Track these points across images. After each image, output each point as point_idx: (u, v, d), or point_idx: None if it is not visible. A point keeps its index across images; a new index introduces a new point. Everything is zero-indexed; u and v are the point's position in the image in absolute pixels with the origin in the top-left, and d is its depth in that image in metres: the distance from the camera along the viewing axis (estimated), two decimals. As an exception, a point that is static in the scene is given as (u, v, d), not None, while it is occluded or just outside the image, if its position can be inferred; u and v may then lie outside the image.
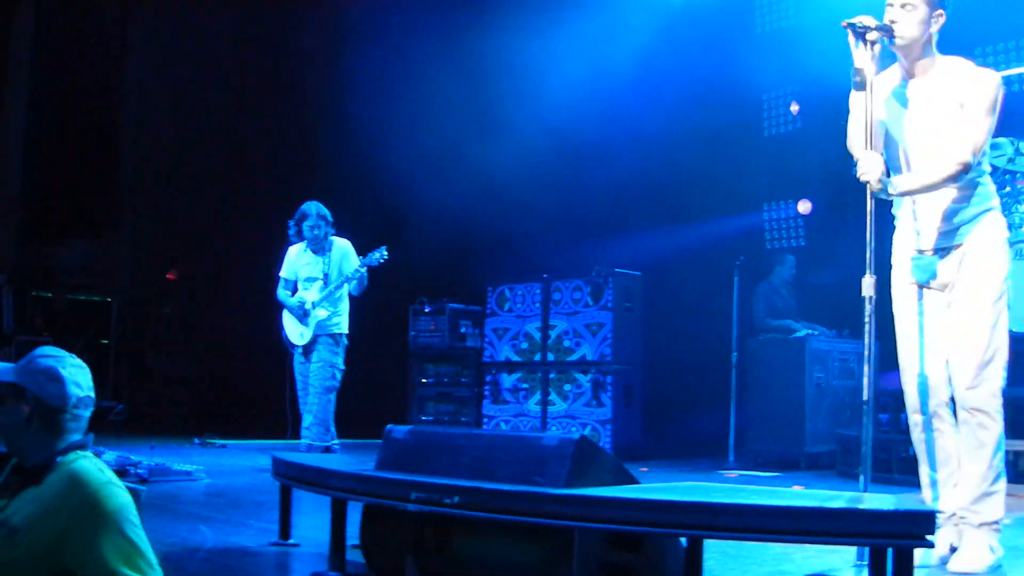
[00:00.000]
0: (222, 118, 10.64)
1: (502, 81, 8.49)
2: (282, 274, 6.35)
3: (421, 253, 9.45)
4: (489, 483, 2.52)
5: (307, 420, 6.03)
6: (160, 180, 10.99)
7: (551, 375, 7.81)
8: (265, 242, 10.46)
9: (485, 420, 8.18)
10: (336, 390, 6.05)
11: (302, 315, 6.21)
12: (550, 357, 7.86)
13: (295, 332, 6.22)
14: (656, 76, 8.04)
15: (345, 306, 6.23)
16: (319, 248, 6.18)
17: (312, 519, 3.68)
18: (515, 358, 8.09)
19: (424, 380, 8.65)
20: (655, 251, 8.46)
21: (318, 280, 6.14)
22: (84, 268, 10.92)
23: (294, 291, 6.38)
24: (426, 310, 8.64)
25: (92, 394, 2.07)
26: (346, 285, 6.07)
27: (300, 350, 6.23)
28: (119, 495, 1.92)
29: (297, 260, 6.32)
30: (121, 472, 4.64)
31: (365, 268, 5.97)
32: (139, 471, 4.91)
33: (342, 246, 6.18)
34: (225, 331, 11.18)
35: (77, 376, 2.06)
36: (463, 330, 8.53)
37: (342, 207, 6.50)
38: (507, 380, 8.10)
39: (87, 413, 2.07)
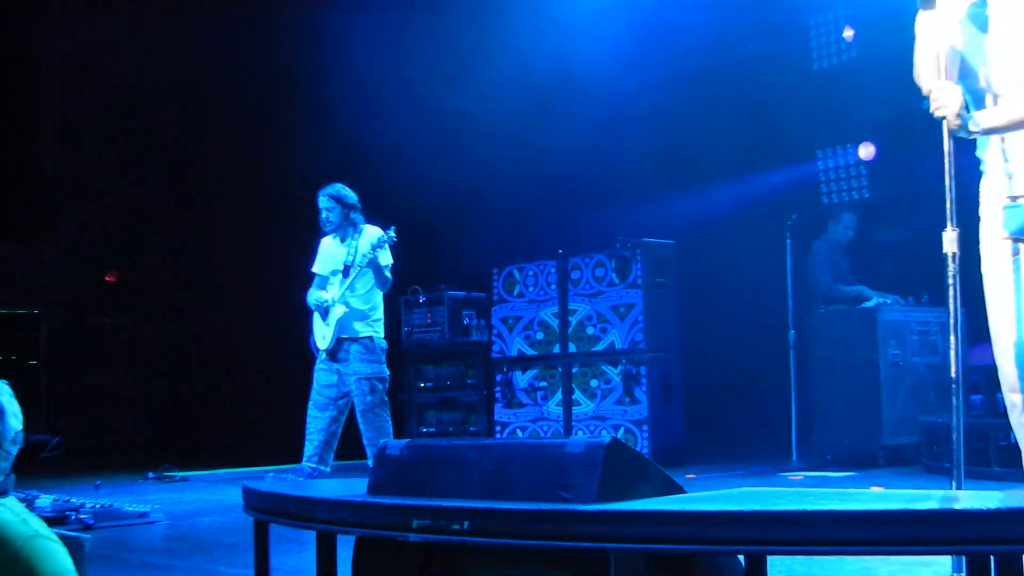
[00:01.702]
0: (165, 107, 10.72)
1: (493, 22, 8.65)
2: (313, 269, 6.48)
3: (410, 232, 9.21)
4: (505, 503, 2.50)
5: (312, 443, 6.09)
6: (96, 176, 10.94)
7: (574, 369, 7.94)
8: (226, 238, 10.55)
9: (497, 428, 8.31)
10: (385, 404, 6.14)
11: (324, 313, 6.31)
12: (571, 348, 7.96)
13: (319, 333, 6.33)
14: (682, 3, 8.14)
15: (377, 304, 6.32)
16: (344, 235, 6.31)
17: (295, 559, 3.69)
18: (530, 352, 8.23)
19: (422, 384, 8.82)
20: (689, 215, 8.56)
21: (339, 273, 6.29)
22: (6, 277, 10.82)
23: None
24: (420, 300, 8.78)
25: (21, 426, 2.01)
26: (364, 278, 6.21)
27: (323, 355, 6.29)
28: (51, 550, 1.84)
29: (327, 252, 6.48)
30: (60, 519, 4.62)
31: (376, 255, 6.09)
32: (82, 516, 4.89)
33: (370, 233, 6.30)
34: (180, 342, 11.18)
35: (14, 406, 2.00)
36: (466, 322, 8.69)
37: (312, 187, 6.57)
38: (521, 379, 8.25)
39: (15, 450, 2.00)
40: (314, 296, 6.35)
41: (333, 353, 6.24)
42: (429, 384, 8.81)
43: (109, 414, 10.71)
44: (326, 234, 6.42)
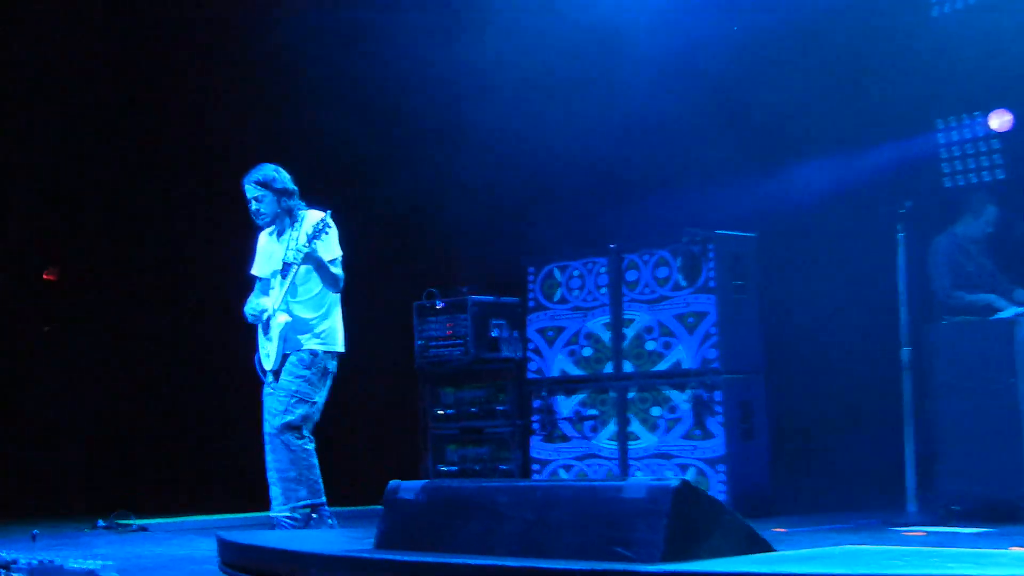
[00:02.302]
0: (106, 79, 10.76)
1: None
2: (252, 271, 6.59)
3: (424, 222, 9.66)
4: (547, 561, 2.45)
5: (277, 486, 6.23)
6: (25, 158, 10.93)
7: (630, 394, 7.94)
8: (191, 228, 10.68)
9: (535, 468, 8.32)
10: (301, 428, 6.20)
11: (264, 326, 6.40)
12: (627, 367, 7.96)
13: (263, 350, 6.44)
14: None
15: (327, 311, 6.42)
16: (282, 228, 6.41)
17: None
18: (575, 371, 8.22)
19: (440, 412, 8.91)
20: (775, 201, 8.50)
21: (278, 274, 6.41)
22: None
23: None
24: (438, 306, 8.85)
25: None
26: (308, 278, 6.27)
27: (270, 377, 6.41)
28: None
29: (265, 250, 6.60)
30: (-15, 579, 4.53)
31: (313, 248, 6.10)
32: (14, 574, 4.89)
33: (310, 220, 6.36)
34: (136, 356, 11.09)
35: None
36: (495, 333, 8.78)
37: (294, 170, 6.73)
38: (565, 405, 8.25)
39: None
40: (251, 305, 6.43)
41: (278, 372, 6.36)
42: (449, 411, 8.90)
43: (46, 446, 10.64)
44: (260, 230, 6.57)
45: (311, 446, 6.29)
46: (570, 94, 8.85)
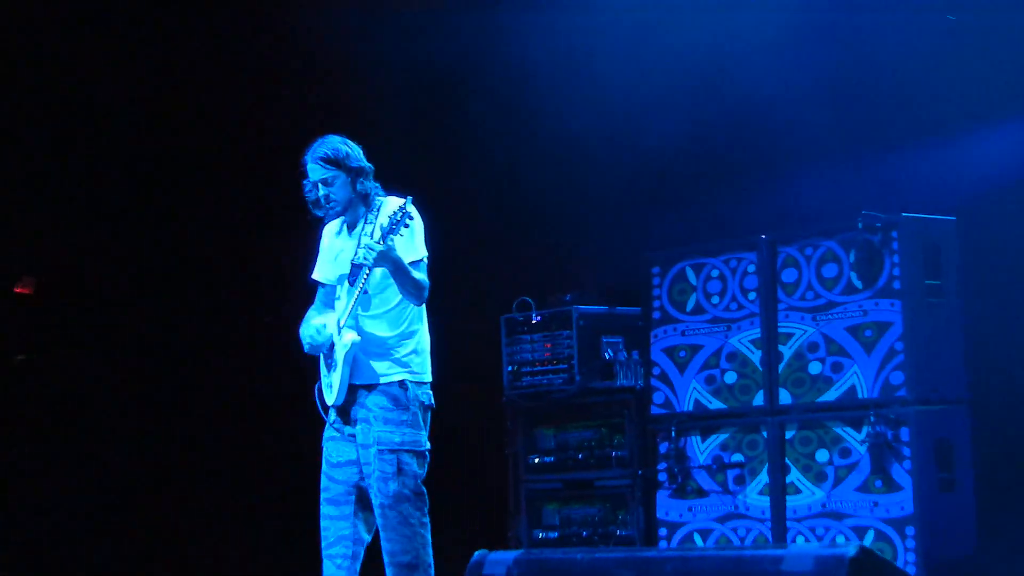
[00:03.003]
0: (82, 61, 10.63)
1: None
2: (314, 276, 6.64)
3: (516, 212, 9.83)
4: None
5: (333, 562, 6.28)
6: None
7: (788, 433, 8.01)
8: (207, 229, 10.78)
9: (662, 532, 8.41)
10: (422, 499, 6.25)
11: (327, 351, 6.38)
12: (784, 398, 8.05)
13: (325, 380, 6.44)
14: None
15: (410, 328, 6.41)
16: (354, 219, 6.38)
17: None
18: (715, 404, 8.33)
19: (537, 459, 8.94)
20: (981, 173, 8.49)
21: (346, 279, 6.41)
22: None
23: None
24: (534, 320, 8.91)
25: None
26: (384, 285, 6.24)
27: (333, 415, 6.39)
28: None
29: (331, 247, 6.59)
30: None
31: (390, 244, 6.06)
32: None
33: (388, 209, 6.32)
34: (136, 390, 10.88)
35: None
36: (608, 355, 8.83)
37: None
38: (701, 449, 8.36)
39: None
40: (308, 326, 6.43)
41: (345, 410, 6.32)
42: (548, 459, 8.94)
43: (34, 513, 10.49)
44: (327, 220, 6.54)
45: (428, 519, 6.30)
46: (704, 43, 9.03)
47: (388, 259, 6.04)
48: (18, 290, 10.73)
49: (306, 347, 6.39)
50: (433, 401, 6.37)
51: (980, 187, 8.41)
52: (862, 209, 7.81)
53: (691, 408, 8.42)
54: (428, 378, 6.39)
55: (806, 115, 8.89)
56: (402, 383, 6.27)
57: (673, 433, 8.43)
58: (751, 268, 8.24)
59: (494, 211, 9.98)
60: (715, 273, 8.40)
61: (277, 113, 9.98)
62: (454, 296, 8.83)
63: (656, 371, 8.58)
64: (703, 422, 8.36)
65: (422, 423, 6.29)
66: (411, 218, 6.02)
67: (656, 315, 8.60)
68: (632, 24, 9.19)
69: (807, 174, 8.88)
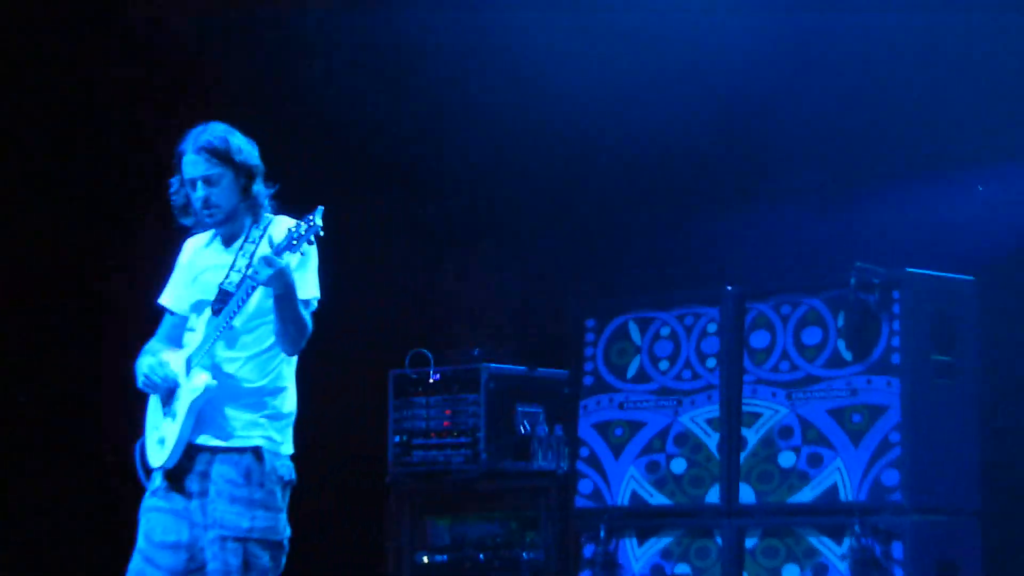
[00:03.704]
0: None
1: None
2: (161, 300, 6.15)
3: (413, 243, 9.63)
4: None
5: None
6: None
7: (750, 541, 7.58)
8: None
9: None
10: None
11: (165, 395, 5.87)
12: (747, 496, 7.64)
13: (152, 436, 5.94)
14: None
15: (279, 380, 5.95)
16: (232, 233, 5.98)
17: None
18: (658, 499, 7.89)
19: (427, 558, 8.52)
20: (1001, 221, 8.11)
21: (207, 307, 5.90)
22: None
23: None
24: (431, 379, 8.54)
25: None
26: (259, 321, 5.84)
27: (158, 479, 5.88)
28: None
29: (194, 266, 6.12)
30: None
31: (280, 265, 5.55)
32: None
33: (281, 227, 5.82)
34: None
35: None
36: (523, 428, 8.45)
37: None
38: (637, 555, 7.85)
39: None
40: (147, 358, 5.91)
41: (178, 476, 5.77)
42: (440, 558, 8.45)
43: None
44: (193, 232, 6.08)
45: None
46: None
47: (283, 280, 5.56)
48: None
49: (140, 381, 5.91)
50: (294, 476, 5.84)
51: (1007, 240, 8.13)
52: (856, 261, 7.38)
53: (627, 502, 7.88)
54: (290, 448, 5.88)
55: (792, 141, 8.81)
56: (258, 451, 5.76)
57: (603, 534, 7.83)
58: (712, 327, 7.80)
59: (388, 236, 9.78)
60: (665, 331, 7.93)
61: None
62: (330, 341, 8.15)
63: (584, 452, 8.01)
64: (642, 521, 7.85)
65: (280, 504, 5.78)
66: (318, 233, 5.59)
67: (588, 380, 8.06)
68: (589, 36, 9.08)
69: (788, 213, 8.66)
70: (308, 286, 5.77)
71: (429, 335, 8.87)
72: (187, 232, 6.09)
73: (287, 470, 5.82)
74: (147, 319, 6.31)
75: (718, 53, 8.80)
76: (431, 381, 8.54)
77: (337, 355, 8.60)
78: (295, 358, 5.92)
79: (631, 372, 7.94)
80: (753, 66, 8.71)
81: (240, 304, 5.73)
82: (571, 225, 9.41)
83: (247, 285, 5.66)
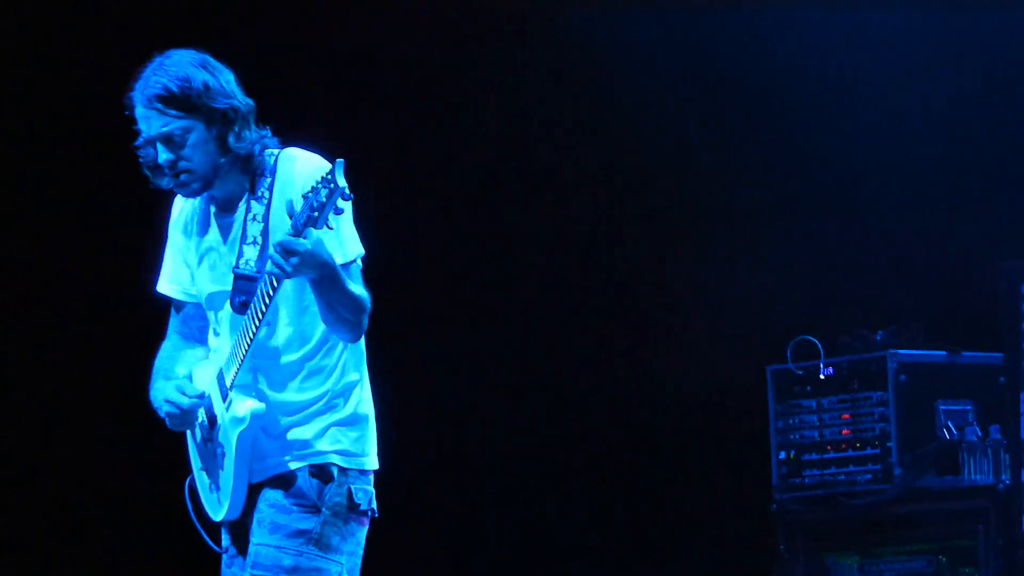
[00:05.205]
0: None
1: None
2: (161, 287, 5.35)
3: (789, 213, 9.02)
4: None
5: None
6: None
7: None
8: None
9: None
10: None
11: (205, 427, 5.13)
12: None
13: (204, 488, 5.26)
14: None
15: (344, 377, 5.21)
16: (226, 196, 5.21)
17: None
18: None
19: None
20: None
21: (226, 300, 5.14)
22: None
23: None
24: (822, 374, 7.74)
25: None
26: (300, 304, 5.15)
27: (227, 541, 5.22)
28: None
29: (186, 241, 5.40)
30: None
31: (310, 241, 4.80)
32: None
33: (301, 166, 5.11)
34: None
35: None
36: (946, 432, 7.52)
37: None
38: None
39: None
40: (163, 387, 5.11)
41: (242, 527, 5.09)
42: None
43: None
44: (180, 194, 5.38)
45: None
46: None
47: (315, 263, 4.80)
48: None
49: (166, 420, 5.12)
50: (374, 503, 5.09)
51: None
52: None
53: None
54: (374, 463, 5.13)
55: None
56: (323, 468, 5.03)
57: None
58: None
59: (761, 205, 9.04)
60: None
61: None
62: (690, 333, 8.57)
63: (1049, 463, 7.43)
64: None
65: (341, 542, 5.05)
66: (345, 197, 4.73)
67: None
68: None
69: None
70: (345, 245, 4.92)
71: (815, 318, 8.03)
72: (170, 194, 5.27)
73: (364, 496, 4.99)
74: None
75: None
76: (822, 377, 7.70)
77: (700, 350, 8.64)
78: (362, 342, 5.10)
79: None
80: None
81: (267, 301, 4.87)
82: (991, 171, 8.68)
83: (269, 277, 4.78)
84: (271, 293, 4.75)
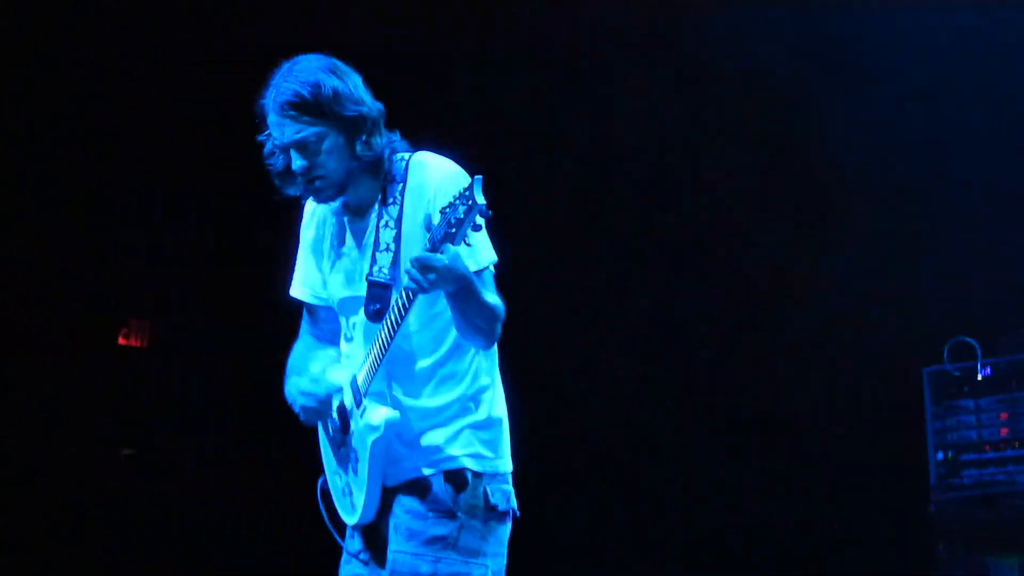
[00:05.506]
0: None
1: None
2: (294, 292, 5.49)
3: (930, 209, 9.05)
4: None
5: None
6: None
7: None
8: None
9: None
10: None
11: (337, 428, 5.26)
12: None
13: (336, 490, 5.39)
14: None
15: (476, 382, 5.28)
16: (357, 203, 5.30)
17: None
18: None
19: None
20: None
21: (360, 304, 5.22)
22: None
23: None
24: (980, 375, 7.85)
25: None
26: (433, 313, 5.23)
27: (357, 544, 5.31)
28: None
29: (318, 244, 5.52)
30: None
31: (447, 256, 4.89)
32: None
33: (431, 172, 5.18)
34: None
35: None
36: None
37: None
38: None
39: None
40: (298, 381, 5.27)
41: (376, 532, 5.24)
42: None
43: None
44: (307, 200, 5.47)
45: None
46: None
47: (452, 276, 4.89)
48: (123, 341, 10.30)
49: (300, 413, 5.27)
50: (514, 503, 5.19)
51: None
52: None
53: None
54: (508, 465, 5.22)
55: None
56: (458, 473, 5.12)
57: None
58: None
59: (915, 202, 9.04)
60: None
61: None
62: (845, 335, 8.62)
63: None
64: None
65: (483, 545, 5.12)
66: (483, 214, 4.77)
67: None
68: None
69: None
70: (478, 252, 4.95)
71: (972, 319, 8.10)
72: (298, 201, 5.37)
73: (502, 496, 5.04)
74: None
75: None
76: (980, 378, 7.80)
77: (855, 352, 8.63)
78: (495, 347, 5.19)
79: None
80: None
81: (403, 313, 4.96)
82: None
83: (406, 291, 4.88)
84: (407, 305, 4.88)
